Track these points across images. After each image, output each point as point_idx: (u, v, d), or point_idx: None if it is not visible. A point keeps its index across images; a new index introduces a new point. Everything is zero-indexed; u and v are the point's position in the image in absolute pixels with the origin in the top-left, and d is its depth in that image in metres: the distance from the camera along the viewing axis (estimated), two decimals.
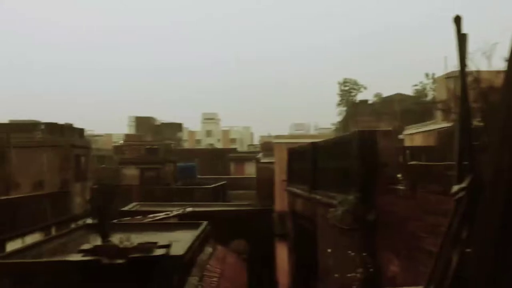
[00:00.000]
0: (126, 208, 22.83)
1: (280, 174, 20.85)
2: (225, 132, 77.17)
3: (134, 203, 24.70)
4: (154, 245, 9.72)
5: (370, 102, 42.79)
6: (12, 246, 13.53)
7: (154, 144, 35.93)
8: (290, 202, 13.10)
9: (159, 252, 9.55)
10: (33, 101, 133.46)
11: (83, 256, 9.24)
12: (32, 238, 14.78)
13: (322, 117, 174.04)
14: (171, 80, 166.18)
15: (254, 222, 20.99)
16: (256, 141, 78.31)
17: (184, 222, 16.97)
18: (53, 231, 16.49)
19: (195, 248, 12.71)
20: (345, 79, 44.85)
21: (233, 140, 74.47)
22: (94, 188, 20.99)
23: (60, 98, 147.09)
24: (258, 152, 48.48)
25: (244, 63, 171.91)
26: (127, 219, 19.91)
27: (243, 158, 42.52)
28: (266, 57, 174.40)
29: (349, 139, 7.71)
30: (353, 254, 6.76)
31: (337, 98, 46.00)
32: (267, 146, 48.31)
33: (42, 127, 33.17)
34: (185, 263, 11.01)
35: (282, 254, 19.11)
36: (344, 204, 7.08)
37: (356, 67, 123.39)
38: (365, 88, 45.11)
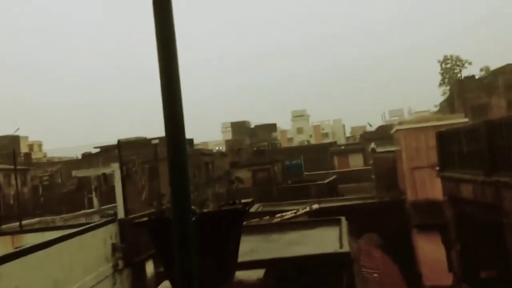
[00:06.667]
0: (251, 210, 23.35)
1: (408, 162, 19.89)
2: (316, 127, 76.37)
3: (256, 204, 25.15)
4: None
5: (477, 77, 39.65)
6: None
7: (260, 146, 36.44)
8: (448, 189, 12.28)
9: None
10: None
11: None
12: None
13: (412, 101, 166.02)
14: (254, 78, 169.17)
15: (385, 214, 20.30)
16: (348, 133, 76.64)
17: (322, 219, 16.74)
18: None
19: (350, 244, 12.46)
20: (446, 56, 42.01)
21: (325, 135, 73.48)
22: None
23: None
24: (359, 143, 47.20)
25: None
26: (255, 220, 20.25)
27: (346, 151, 41.60)
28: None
29: None
30: None
31: (438, 78, 43.33)
32: (367, 136, 46.90)
33: (157, 141, 35.23)
34: (352, 260, 10.80)
35: (424, 245, 18.17)
36: None
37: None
38: (469, 63, 41.92)
